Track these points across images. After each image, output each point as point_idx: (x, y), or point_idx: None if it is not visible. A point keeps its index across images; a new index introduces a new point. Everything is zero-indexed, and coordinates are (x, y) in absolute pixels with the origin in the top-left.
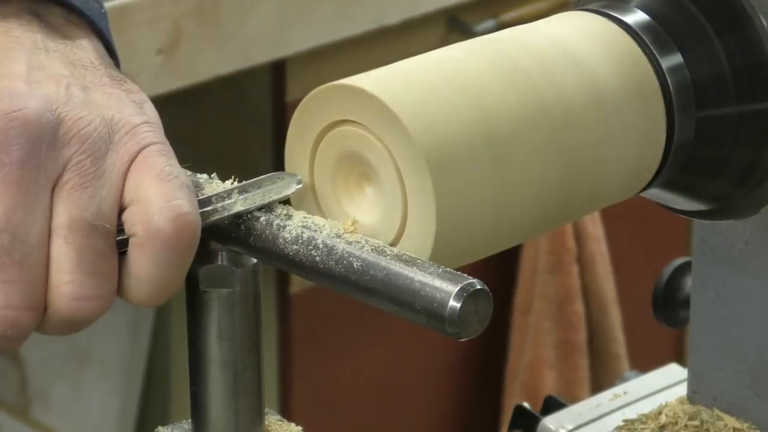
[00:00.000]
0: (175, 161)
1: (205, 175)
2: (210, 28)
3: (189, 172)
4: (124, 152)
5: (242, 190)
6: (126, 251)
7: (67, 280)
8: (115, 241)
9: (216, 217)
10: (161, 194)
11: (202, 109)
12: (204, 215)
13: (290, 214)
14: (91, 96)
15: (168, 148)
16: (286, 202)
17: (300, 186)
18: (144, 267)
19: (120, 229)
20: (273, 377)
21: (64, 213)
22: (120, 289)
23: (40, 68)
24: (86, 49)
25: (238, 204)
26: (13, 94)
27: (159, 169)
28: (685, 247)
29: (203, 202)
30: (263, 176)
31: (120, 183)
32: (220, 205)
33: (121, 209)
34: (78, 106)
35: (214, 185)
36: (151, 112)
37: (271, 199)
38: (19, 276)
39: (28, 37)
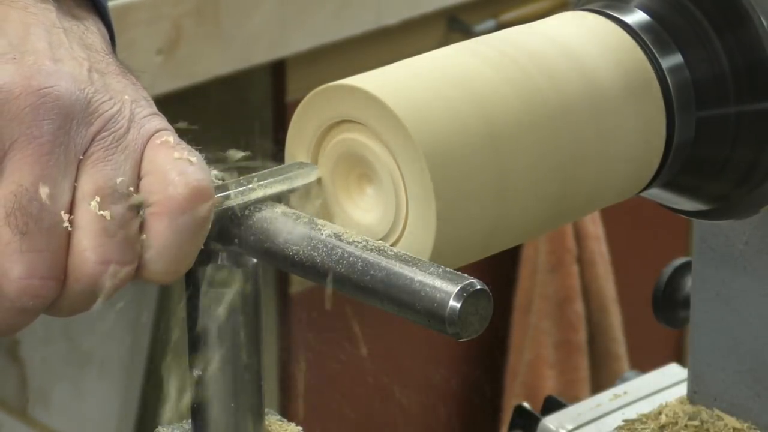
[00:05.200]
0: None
1: None
2: (210, 28)
3: None
4: (143, 132)
5: (262, 178)
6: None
7: (93, 244)
8: (136, 210)
9: (235, 202)
10: (176, 164)
11: (202, 109)
12: (223, 200)
13: (291, 214)
14: (108, 81)
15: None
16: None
17: (319, 175)
18: (161, 235)
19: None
20: (273, 377)
21: (90, 182)
22: (139, 264)
23: (61, 46)
24: (95, 33)
25: (258, 190)
26: (42, 71)
27: (173, 144)
28: (685, 247)
29: (222, 188)
30: (282, 165)
31: (139, 157)
32: (238, 190)
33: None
34: (101, 89)
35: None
36: (155, 108)
37: (290, 187)
38: (47, 245)
39: (45, 15)
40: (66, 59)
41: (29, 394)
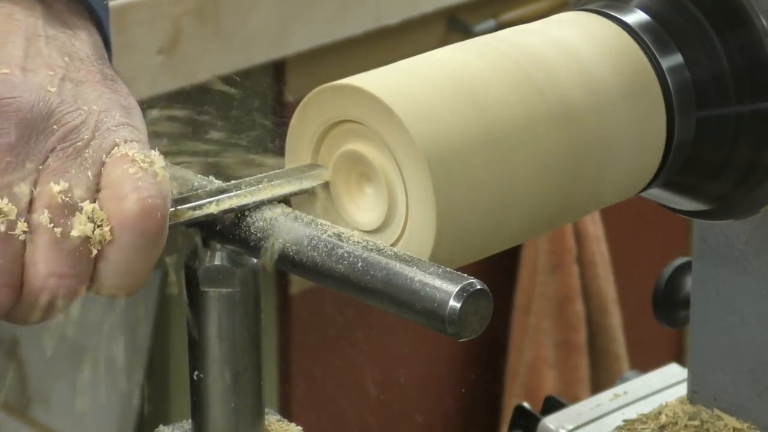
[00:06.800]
0: (152, 158)
1: (201, 176)
2: (210, 28)
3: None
4: (106, 144)
5: (272, 179)
6: None
7: (43, 256)
8: (92, 223)
9: (245, 201)
10: (132, 181)
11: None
12: (233, 200)
13: (291, 214)
14: (82, 91)
15: (147, 147)
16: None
17: (329, 177)
18: (112, 250)
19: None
20: (273, 377)
21: (44, 194)
22: (90, 278)
23: (38, 55)
24: (84, 41)
25: (267, 191)
26: (8, 81)
27: (133, 158)
28: (685, 247)
29: (233, 187)
30: (292, 167)
31: (97, 170)
32: (248, 190)
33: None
34: (69, 99)
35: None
36: (137, 119)
37: (300, 188)
38: (2, 253)
39: (29, 23)
40: (39, 69)
41: (29, 394)
